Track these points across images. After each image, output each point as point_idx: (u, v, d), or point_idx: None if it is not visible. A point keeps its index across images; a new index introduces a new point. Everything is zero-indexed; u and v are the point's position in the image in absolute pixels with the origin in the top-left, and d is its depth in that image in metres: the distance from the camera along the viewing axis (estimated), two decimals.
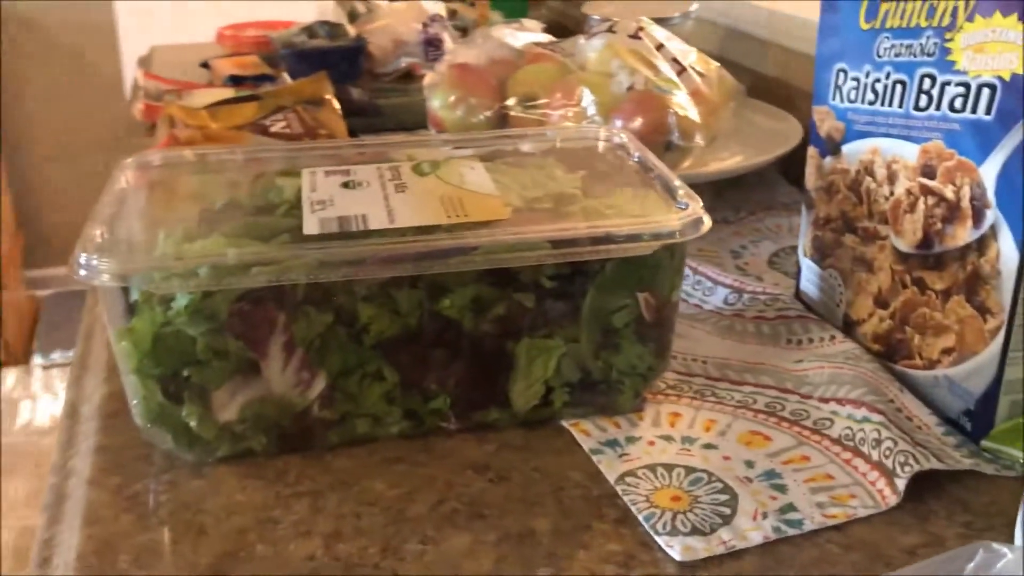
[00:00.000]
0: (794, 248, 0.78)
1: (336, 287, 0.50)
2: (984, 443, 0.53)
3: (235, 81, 1.24)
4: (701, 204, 0.53)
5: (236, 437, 0.52)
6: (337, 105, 1.02)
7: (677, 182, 0.56)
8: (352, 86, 1.18)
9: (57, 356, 2.47)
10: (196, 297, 0.48)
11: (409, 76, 1.26)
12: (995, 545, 0.33)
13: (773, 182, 0.92)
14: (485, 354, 0.53)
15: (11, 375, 2.42)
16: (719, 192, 0.90)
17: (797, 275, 0.69)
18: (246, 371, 0.51)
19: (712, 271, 0.72)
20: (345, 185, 0.57)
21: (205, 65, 1.34)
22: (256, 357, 0.50)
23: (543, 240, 0.50)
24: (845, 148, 0.61)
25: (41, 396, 2.34)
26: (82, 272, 0.47)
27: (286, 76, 1.17)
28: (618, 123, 0.75)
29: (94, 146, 2.63)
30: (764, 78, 1.07)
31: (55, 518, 0.51)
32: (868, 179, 0.59)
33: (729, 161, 0.83)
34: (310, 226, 0.52)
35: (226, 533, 0.48)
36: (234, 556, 0.46)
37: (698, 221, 0.52)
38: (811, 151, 0.65)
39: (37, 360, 2.49)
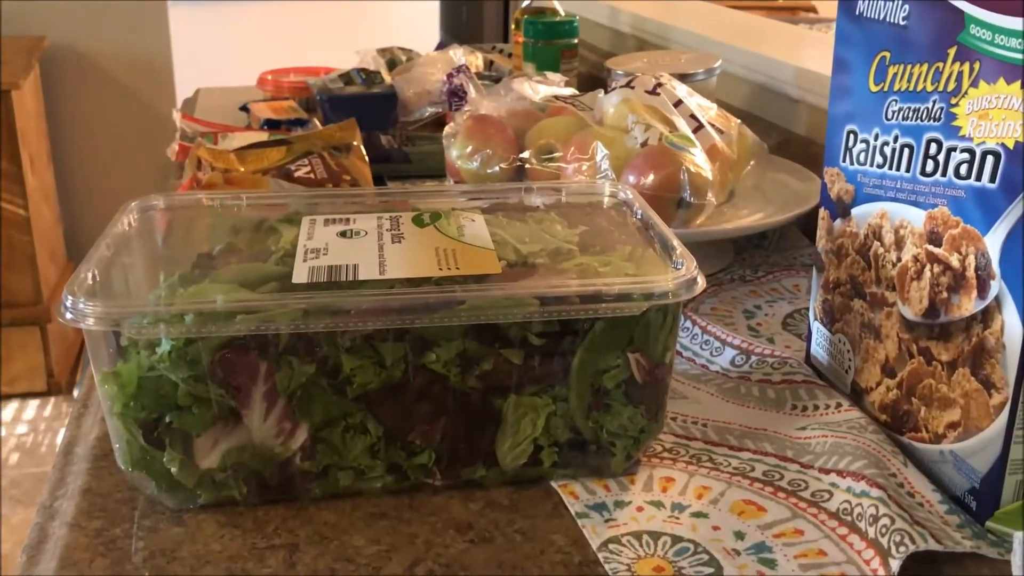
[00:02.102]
0: None
1: (320, 337, 0.50)
2: (989, 524, 0.50)
3: (271, 125, 1.27)
4: (696, 265, 0.52)
5: (217, 485, 0.52)
6: (364, 151, 1.03)
7: (675, 242, 0.55)
8: (383, 133, 1.19)
9: None
10: (179, 343, 0.48)
11: (440, 124, 1.27)
12: None
13: (795, 242, 0.91)
14: (472, 410, 0.52)
15: (52, 405, 2.46)
16: (739, 251, 0.88)
17: (808, 338, 0.68)
18: (228, 419, 0.50)
19: (721, 331, 0.71)
20: (342, 234, 0.57)
21: (245, 108, 1.37)
22: (238, 405, 0.50)
23: (531, 296, 0.50)
24: (855, 211, 0.60)
25: None
26: (68, 315, 0.48)
27: (316, 122, 1.19)
28: (631, 178, 0.74)
29: (146, 185, 2.69)
30: (793, 136, 1.06)
31: (33, 560, 0.51)
32: (876, 243, 0.58)
33: (748, 219, 0.81)
34: (299, 275, 0.52)
35: None
36: None
37: (691, 282, 0.51)
38: (822, 212, 0.64)
39: (79, 392, 2.53)
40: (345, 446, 0.52)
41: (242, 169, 0.98)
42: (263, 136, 1.17)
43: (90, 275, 0.51)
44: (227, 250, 0.57)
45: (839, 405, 0.61)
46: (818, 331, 0.66)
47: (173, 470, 0.51)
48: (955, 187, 0.50)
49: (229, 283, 0.51)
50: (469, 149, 0.83)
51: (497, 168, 0.82)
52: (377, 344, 0.50)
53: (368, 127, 1.12)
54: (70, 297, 0.48)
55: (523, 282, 0.51)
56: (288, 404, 0.50)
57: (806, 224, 0.91)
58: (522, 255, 0.55)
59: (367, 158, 1.01)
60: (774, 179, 0.89)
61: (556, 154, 0.80)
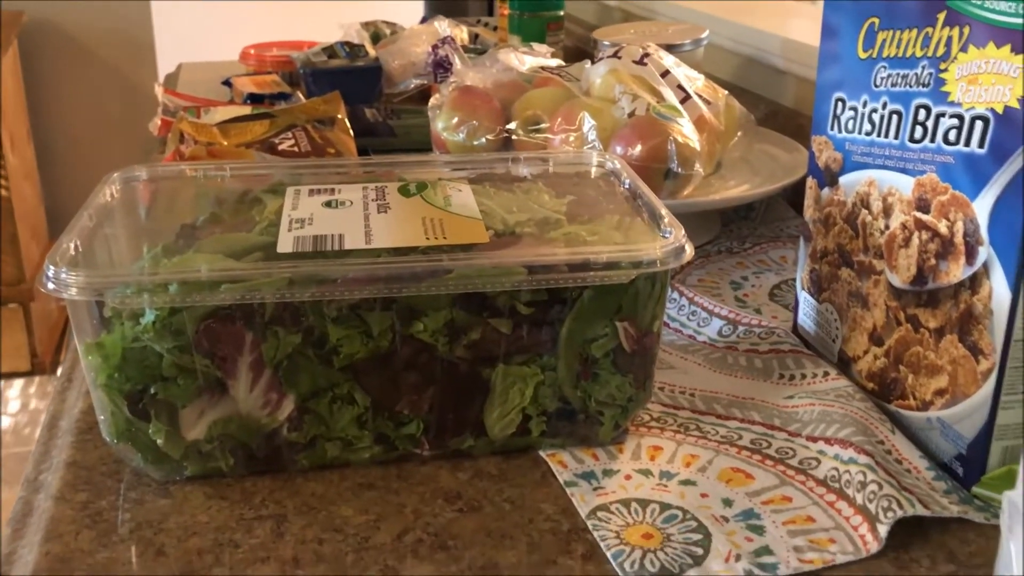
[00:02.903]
0: None
1: (306, 307, 0.49)
2: (975, 490, 0.50)
3: (254, 99, 1.25)
4: (684, 233, 0.52)
5: (203, 456, 0.51)
6: (348, 125, 1.02)
7: (663, 210, 0.55)
8: (368, 107, 1.18)
9: None
10: (163, 313, 0.48)
11: (425, 96, 1.26)
12: None
13: (782, 213, 0.91)
14: (460, 380, 0.52)
15: (37, 384, 2.44)
16: (726, 223, 0.88)
17: (795, 308, 0.68)
18: (214, 390, 0.50)
19: (709, 302, 0.70)
20: (328, 204, 0.57)
21: (227, 83, 1.36)
22: (223, 376, 0.50)
23: (519, 265, 0.49)
24: (842, 179, 0.60)
25: None
26: (50, 285, 0.47)
27: (300, 95, 1.17)
28: (618, 149, 0.74)
29: (128, 162, 2.67)
30: (780, 108, 1.06)
31: (18, 532, 0.50)
32: (864, 212, 0.58)
33: (735, 190, 0.81)
34: (284, 244, 0.51)
35: (184, 554, 0.47)
36: None
37: (679, 250, 0.51)
38: (810, 182, 0.64)
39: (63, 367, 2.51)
40: (332, 417, 0.51)
41: (225, 143, 0.97)
42: (246, 110, 1.16)
43: (72, 245, 0.50)
44: (211, 221, 0.56)
45: (826, 374, 0.61)
46: (805, 301, 0.66)
47: (159, 441, 0.50)
48: (944, 153, 0.50)
49: (213, 253, 0.51)
50: (455, 120, 0.82)
51: (483, 140, 0.81)
52: (364, 314, 0.50)
53: (352, 101, 1.11)
54: (52, 267, 0.47)
55: (511, 251, 0.51)
56: (274, 375, 0.50)
57: (793, 196, 0.91)
58: (509, 225, 0.55)
59: (351, 131, 1.01)
60: (761, 150, 0.89)
61: (543, 125, 0.80)
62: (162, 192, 0.61)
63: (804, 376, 0.61)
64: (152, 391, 0.50)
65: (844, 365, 0.61)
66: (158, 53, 2.67)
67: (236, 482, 0.52)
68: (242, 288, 0.47)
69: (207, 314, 0.48)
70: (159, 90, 1.24)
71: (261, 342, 0.49)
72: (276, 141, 0.97)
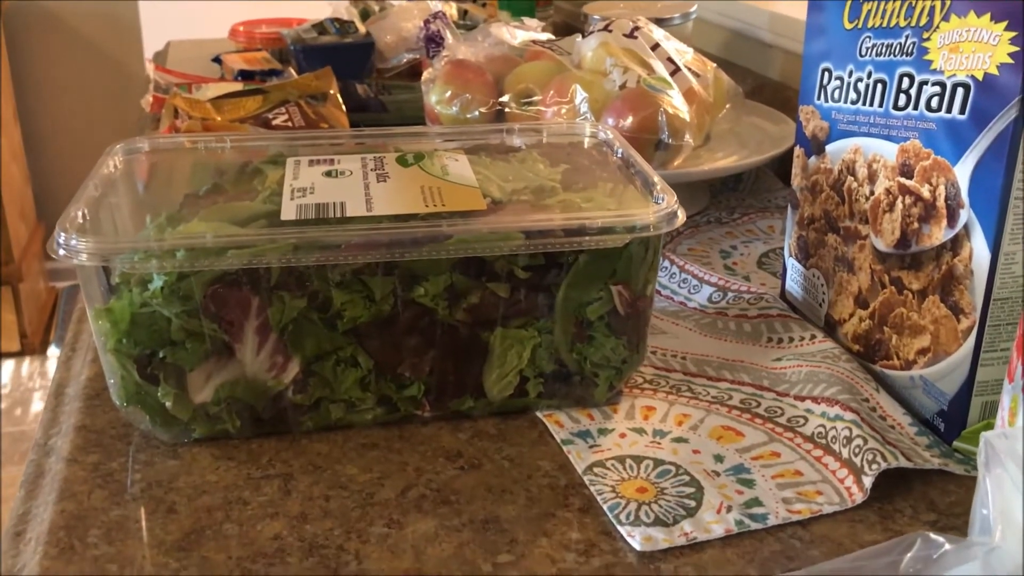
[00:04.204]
0: None
1: (310, 272, 0.51)
2: (956, 444, 0.53)
3: (245, 76, 1.26)
4: (676, 199, 0.53)
5: (211, 419, 0.53)
6: (340, 100, 1.03)
7: (655, 178, 0.56)
8: (359, 82, 1.19)
9: None
10: (171, 278, 0.49)
11: (416, 72, 1.27)
12: (933, 535, 0.33)
13: (770, 185, 0.92)
14: (459, 343, 0.54)
15: (28, 365, 2.45)
16: (715, 194, 0.90)
17: (783, 275, 0.69)
18: (221, 353, 0.51)
19: (699, 270, 0.72)
20: (328, 174, 0.58)
21: (217, 60, 1.36)
22: (230, 340, 0.51)
23: (517, 231, 0.51)
24: (829, 147, 0.61)
25: None
26: (61, 251, 0.48)
27: (292, 71, 1.18)
28: (609, 121, 0.75)
29: (115, 141, 2.66)
30: (768, 81, 1.07)
31: (31, 494, 0.52)
32: (850, 178, 0.59)
33: (724, 161, 0.83)
34: (287, 212, 0.53)
35: (195, 511, 0.48)
36: (201, 533, 0.47)
37: (672, 215, 0.52)
38: (797, 150, 0.66)
39: (53, 351, 2.52)
40: (336, 379, 0.53)
41: (219, 118, 0.98)
42: (238, 87, 1.16)
43: (80, 214, 0.51)
44: (213, 191, 0.57)
45: (813, 337, 0.63)
46: (792, 267, 0.68)
47: (168, 404, 0.52)
48: (926, 120, 0.52)
49: (218, 221, 0.52)
50: (448, 94, 0.83)
51: (477, 113, 0.82)
52: (366, 279, 0.51)
53: (344, 77, 1.12)
54: (63, 233, 0.48)
55: (508, 217, 0.52)
56: (280, 338, 0.52)
57: (780, 167, 0.92)
58: (506, 192, 0.56)
59: (344, 107, 1.02)
60: (749, 123, 0.90)
61: (535, 98, 0.81)
62: (163, 163, 0.62)
63: (792, 339, 0.63)
64: (161, 355, 0.51)
65: (830, 328, 0.63)
66: (144, 32, 2.66)
67: (243, 443, 0.54)
68: (248, 254, 0.49)
69: (214, 279, 0.50)
70: (150, 67, 1.25)
71: (267, 307, 0.51)
72: (270, 116, 0.98)
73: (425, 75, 0.87)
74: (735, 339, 0.65)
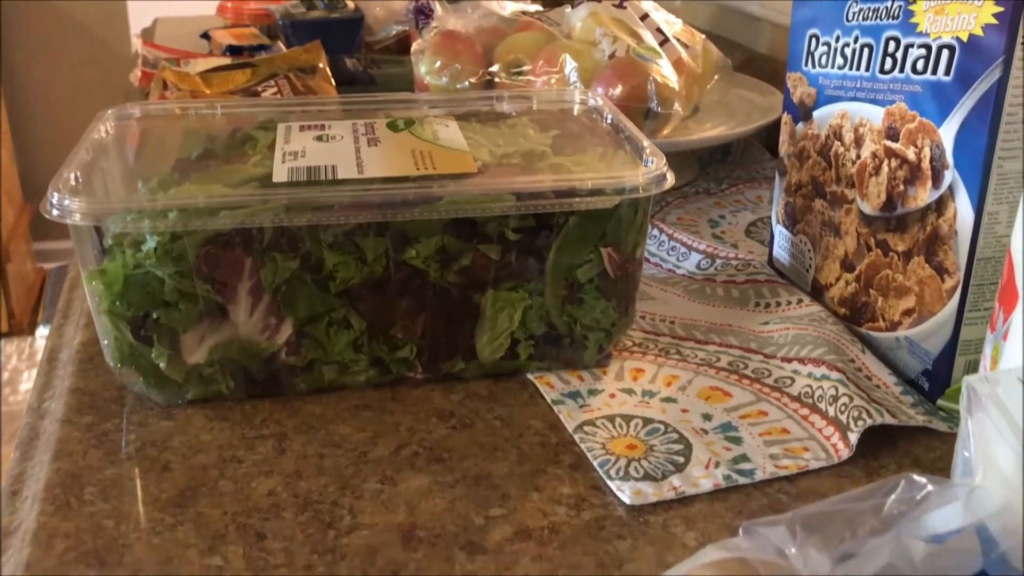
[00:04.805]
0: None
1: (303, 233, 0.51)
2: (940, 402, 0.53)
3: (233, 51, 1.26)
4: (665, 162, 0.54)
5: (204, 380, 0.53)
6: (329, 73, 1.03)
7: (645, 142, 0.57)
8: (348, 56, 1.19)
9: None
10: (164, 239, 0.49)
11: (405, 47, 1.27)
12: (916, 477, 0.34)
13: (758, 156, 0.93)
14: (451, 305, 0.54)
15: (15, 346, 2.44)
16: (703, 166, 0.91)
17: (771, 242, 0.70)
18: (214, 315, 0.52)
19: (687, 238, 0.73)
20: (319, 139, 0.58)
21: (205, 36, 1.36)
22: (224, 301, 0.51)
23: (507, 192, 0.51)
24: (816, 113, 0.62)
25: None
26: (54, 211, 0.49)
27: (281, 45, 1.18)
28: (599, 90, 0.76)
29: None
30: (756, 55, 1.08)
31: (26, 455, 0.52)
32: (837, 143, 0.60)
33: (712, 131, 0.83)
34: (279, 175, 0.53)
35: (190, 469, 0.49)
36: (196, 490, 0.47)
37: (661, 178, 0.53)
38: (785, 118, 0.66)
39: (42, 331, 2.51)
40: (329, 341, 0.53)
41: (208, 91, 0.98)
42: (225, 61, 1.16)
43: (72, 176, 0.52)
44: (204, 156, 0.58)
45: (800, 301, 0.64)
46: (780, 234, 0.68)
47: (161, 365, 0.52)
48: (912, 82, 0.53)
49: (210, 184, 0.52)
50: (438, 64, 0.84)
51: (467, 83, 0.82)
52: (359, 240, 0.52)
53: (333, 51, 1.12)
54: (56, 194, 0.49)
55: (499, 179, 0.53)
56: (273, 299, 0.52)
57: (768, 139, 0.93)
58: (496, 156, 0.57)
59: (332, 80, 1.02)
60: (737, 94, 0.91)
61: (525, 68, 0.81)
62: (154, 129, 0.62)
63: (779, 304, 0.64)
64: (154, 316, 0.51)
65: (817, 293, 0.64)
66: (130, 10, 2.64)
67: (236, 405, 0.54)
68: (241, 214, 0.49)
69: (207, 240, 0.50)
70: (137, 42, 1.24)
71: (260, 268, 0.51)
72: (259, 89, 0.98)
73: (415, 46, 0.87)
74: (723, 304, 0.65)
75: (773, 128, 0.86)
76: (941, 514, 0.33)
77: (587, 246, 0.54)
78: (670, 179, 0.53)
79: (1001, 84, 0.47)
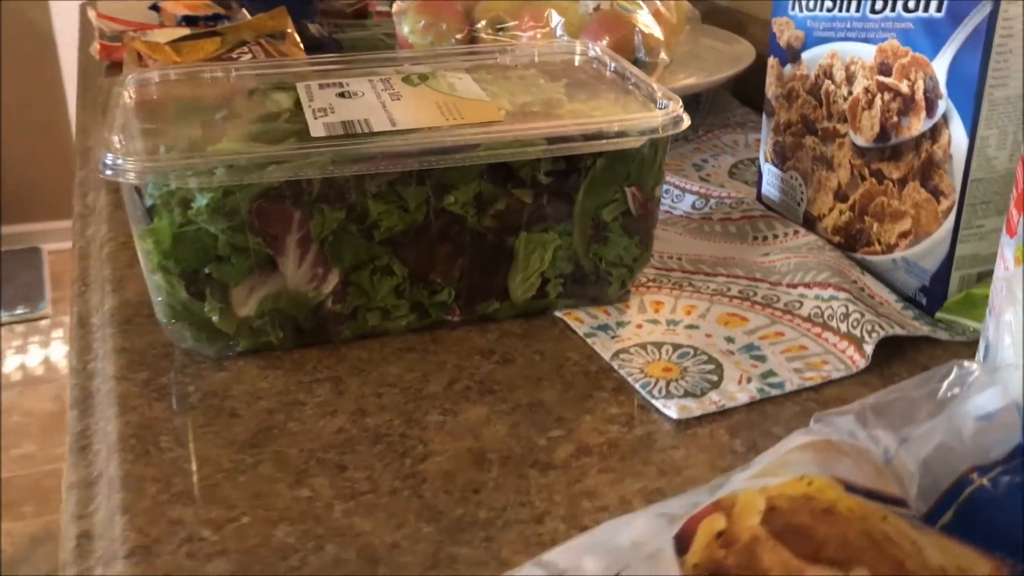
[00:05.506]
0: (751, 160, 0.84)
1: (349, 185, 0.53)
2: (939, 315, 0.58)
3: (189, 21, 1.25)
4: (681, 104, 0.57)
5: (254, 331, 0.55)
6: (297, 38, 1.03)
7: (655, 85, 0.60)
8: (311, 22, 1.19)
9: (21, 311, 2.44)
10: (217, 195, 0.51)
11: (359, 12, 1.28)
12: (966, 363, 0.38)
13: (727, 103, 0.97)
14: (487, 249, 0.57)
15: None
16: None
17: (758, 181, 0.74)
18: (264, 267, 0.54)
19: (679, 180, 0.77)
20: (341, 95, 0.60)
21: (155, 8, 1.34)
22: (273, 253, 0.53)
23: (540, 137, 0.54)
24: (805, 55, 0.66)
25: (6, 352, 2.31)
26: (108, 172, 0.50)
27: (245, 13, 1.18)
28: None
29: (35, 101, 2.57)
30: (717, 6, 1.12)
31: (85, 412, 0.54)
32: (827, 82, 0.64)
33: (688, 80, 0.87)
34: (316, 130, 0.55)
35: (256, 414, 0.51)
36: (267, 432, 0.50)
37: (678, 118, 0.56)
38: (771, 61, 0.70)
39: (3, 317, 2.44)
40: (373, 288, 0.56)
41: (179, 61, 0.98)
42: (185, 31, 1.16)
43: (117, 139, 0.53)
44: (230, 116, 0.59)
45: (796, 232, 0.68)
46: (769, 171, 0.73)
47: (214, 319, 0.54)
48: (904, 20, 0.57)
49: (251, 141, 0.54)
50: (422, 24, 0.86)
51: (453, 41, 0.85)
52: (401, 189, 0.54)
53: (292, 18, 1.12)
54: (109, 154, 0.50)
55: (528, 124, 0.56)
56: (320, 250, 0.54)
57: (734, 87, 0.97)
58: (517, 105, 0.59)
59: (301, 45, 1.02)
60: (706, 44, 0.95)
61: (508, 24, 0.84)
62: (175, 92, 0.63)
63: (776, 236, 0.68)
64: (206, 271, 0.53)
65: (810, 224, 0.69)
66: None
67: (285, 355, 0.56)
68: (291, 167, 0.51)
69: (259, 194, 0.52)
70: (93, 15, 1.22)
71: (308, 219, 0.53)
72: (234, 56, 0.99)
73: (396, 7, 0.89)
74: (723, 239, 0.69)
75: (740, 76, 0.91)
76: (987, 395, 0.38)
77: (612, 187, 0.57)
78: (687, 120, 0.57)
79: (992, 17, 0.51)
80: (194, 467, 0.47)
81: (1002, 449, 0.37)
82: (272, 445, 0.49)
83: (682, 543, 0.32)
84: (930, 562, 0.29)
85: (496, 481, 0.46)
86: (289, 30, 1.05)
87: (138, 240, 0.53)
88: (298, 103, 0.59)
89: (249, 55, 1.00)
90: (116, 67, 1.16)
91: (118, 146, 0.52)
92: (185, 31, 1.15)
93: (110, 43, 1.19)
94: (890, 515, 0.31)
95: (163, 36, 1.12)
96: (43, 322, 2.43)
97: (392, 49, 1.02)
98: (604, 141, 0.55)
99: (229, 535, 0.43)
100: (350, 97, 0.60)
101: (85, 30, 1.33)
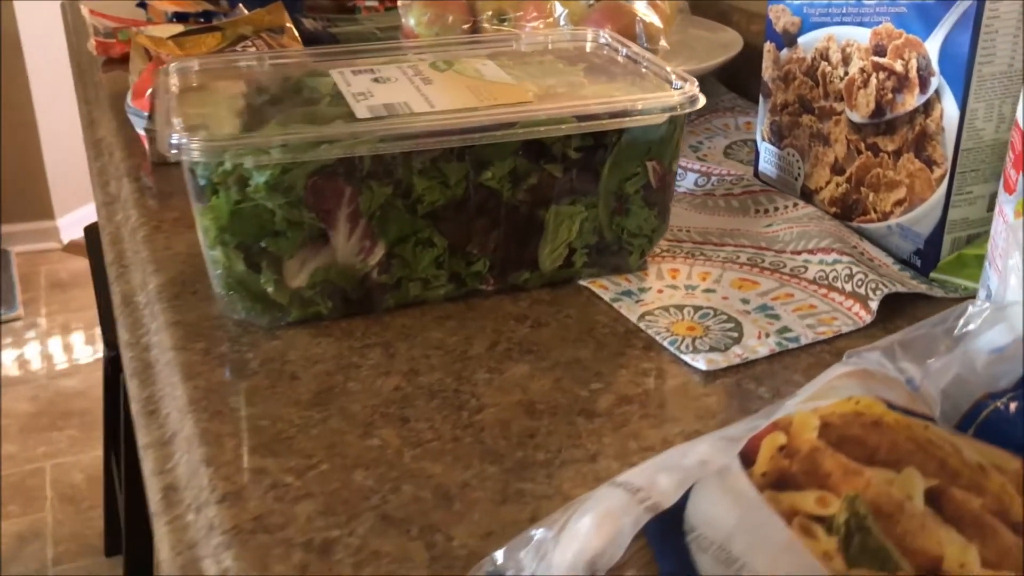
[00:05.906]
0: (743, 141, 0.89)
1: (396, 162, 0.57)
2: (933, 275, 0.64)
3: (180, 18, 1.27)
4: (697, 84, 0.62)
5: (305, 302, 0.59)
6: (296, 33, 1.07)
7: (669, 68, 0.65)
8: (304, 16, 1.22)
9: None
10: (275, 173, 0.55)
11: (341, 6, 1.32)
12: (978, 301, 0.43)
13: (715, 89, 1.02)
14: (519, 221, 0.61)
15: None
16: None
17: (755, 159, 0.79)
18: (315, 241, 0.57)
19: (681, 160, 0.81)
20: (376, 80, 0.64)
21: (142, 5, 1.36)
22: (326, 227, 0.57)
23: (570, 115, 0.58)
24: (801, 39, 0.71)
25: None
26: (173, 151, 0.53)
27: (242, 8, 1.20)
28: None
29: (1, 102, 2.56)
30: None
31: (147, 381, 0.57)
32: (824, 64, 0.69)
33: (683, 67, 0.92)
34: (360, 112, 0.59)
35: (316, 376, 0.55)
36: (329, 392, 0.53)
37: (695, 97, 0.61)
38: (768, 46, 0.75)
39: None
40: (415, 259, 0.60)
41: (183, 55, 1.01)
42: (179, 28, 1.18)
43: (176, 122, 0.56)
44: (271, 102, 0.63)
45: (795, 204, 0.73)
46: (766, 150, 0.78)
47: (269, 290, 0.57)
48: (897, 5, 0.62)
49: (300, 123, 0.57)
50: (427, 16, 0.89)
51: (459, 31, 0.88)
52: (442, 165, 0.58)
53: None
54: (175, 134, 0.53)
55: (558, 104, 0.60)
56: (368, 224, 0.58)
57: (721, 74, 1.02)
58: (543, 87, 0.64)
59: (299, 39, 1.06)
60: (695, 34, 1.00)
61: (510, 15, 0.88)
62: (214, 80, 0.67)
63: (777, 208, 0.73)
64: (262, 245, 0.56)
65: (807, 197, 0.74)
66: None
67: (333, 324, 0.60)
68: (344, 146, 0.55)
69: (314, 172, 0.55)
70: (86, 11, 1.24)
71: (358, 195, 0.57)
72: (239, 50, 1.02)
73: (401, 1, 0.92)
74: (726, 213, 0.74)
75: (729, 63, 0.96)
76: (997, 330, 0.43)
77: (635, 161, 0.62)
78: (702, 99, 0.62)
79: (980, 0, 0.57)
80: (267, 424, 0.51)
81: (1011, 378, 0.42)
82: (336, 402, 0.52)
83: (747, 458, 0.37)
84: (969, 460, 0.34)
85: (548, 428, 0.51)
86: (288, 24, 1.08)
87: (198, 217, 0.56)
88: (335, 88, 0.63)
89: (254, 49, 1.03)
90: (112, 62, 1.19)
91: (179, 129, 0.56)
92: (178, 28, 1.18)
93: (105, 40, 1.21)
94: (930, 425, 0.36)
95: (161, 32, 1.14)
96: (16, 324, 2.42)
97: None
98: (629, 118, 0.59)
99: (311, 480, 0.47)
100: (384, 83, 0.64)
101: (75, 28, 1.35)
